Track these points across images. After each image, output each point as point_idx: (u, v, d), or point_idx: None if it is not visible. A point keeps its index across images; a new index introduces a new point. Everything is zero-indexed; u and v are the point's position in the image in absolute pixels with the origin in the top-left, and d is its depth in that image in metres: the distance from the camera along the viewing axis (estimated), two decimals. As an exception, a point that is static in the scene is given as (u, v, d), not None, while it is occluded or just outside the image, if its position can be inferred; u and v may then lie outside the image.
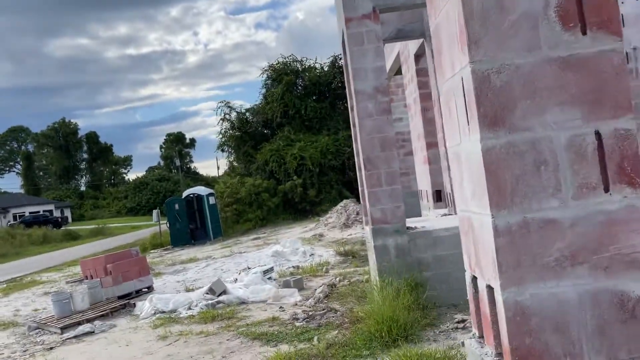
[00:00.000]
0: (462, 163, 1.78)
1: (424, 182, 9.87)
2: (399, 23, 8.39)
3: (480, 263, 1.71)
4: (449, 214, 8.11)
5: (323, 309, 7.40)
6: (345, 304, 7.62)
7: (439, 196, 9.53)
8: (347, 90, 8.45)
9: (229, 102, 30.02)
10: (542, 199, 1.53)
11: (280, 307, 8.05)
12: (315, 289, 8.86)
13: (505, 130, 1.53)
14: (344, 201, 18.88)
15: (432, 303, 6.23)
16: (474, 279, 1.85)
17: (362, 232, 16.82)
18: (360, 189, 8.29)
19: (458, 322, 5.64)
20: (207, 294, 9.08)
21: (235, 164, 31.96)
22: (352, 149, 25.34)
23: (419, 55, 9.49)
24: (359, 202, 21.04)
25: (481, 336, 1.84)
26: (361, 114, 6.58)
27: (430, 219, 8.00)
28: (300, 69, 29.68)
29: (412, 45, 9.58)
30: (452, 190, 8.02)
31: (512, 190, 1.53)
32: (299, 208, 25.36)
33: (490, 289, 1.66)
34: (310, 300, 8.11)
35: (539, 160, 1.53)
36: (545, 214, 1.53)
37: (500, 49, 1.53)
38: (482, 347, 1.79)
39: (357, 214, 17.18)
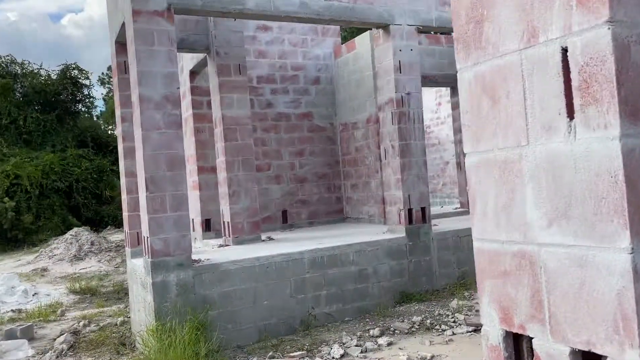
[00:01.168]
0: (519, 174, 1.24)
1: (191, 210, 8.98)
2: (182, 32, 7.53)
3: (555, 319, 1.18)
4: (226, 245, 7.43)
5: (73, 365, 5.85)
6: (101, 355, 6.20)
7: (208, 225, 8.75)
8: (115, 93, 7.13)
9: None
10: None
11: (6, 368, 6.10)
12: (54, 339, 7.06)
13: (645, 126, 1.07)
14: (75, 229, 16.26)
15: (219, 346, 5.45)
16: (508, 336, 1.32)
17: (97, 265, 14.62)
18: (125, 214, 7.01)
19: (257, 369, 4.99)
20: None
21: None
22: (83, 169, 22.72)
23: (195, 72, 8.71)
24: (94, 231, 18.48)
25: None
26: (146, 125, 5.50)
27: (208, 250, 7.18)
28: (20, 72, 25.22)
29: (188, 61, 8.76)
30: (230, 219, 7.40)
31: (651, 212, 1.07)
32: (9, 236, 20.99)
33: (583, 356, 1.14)
34: (49, 354, 6.36)
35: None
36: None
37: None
38: None
39: (92, 244, 14.96)
